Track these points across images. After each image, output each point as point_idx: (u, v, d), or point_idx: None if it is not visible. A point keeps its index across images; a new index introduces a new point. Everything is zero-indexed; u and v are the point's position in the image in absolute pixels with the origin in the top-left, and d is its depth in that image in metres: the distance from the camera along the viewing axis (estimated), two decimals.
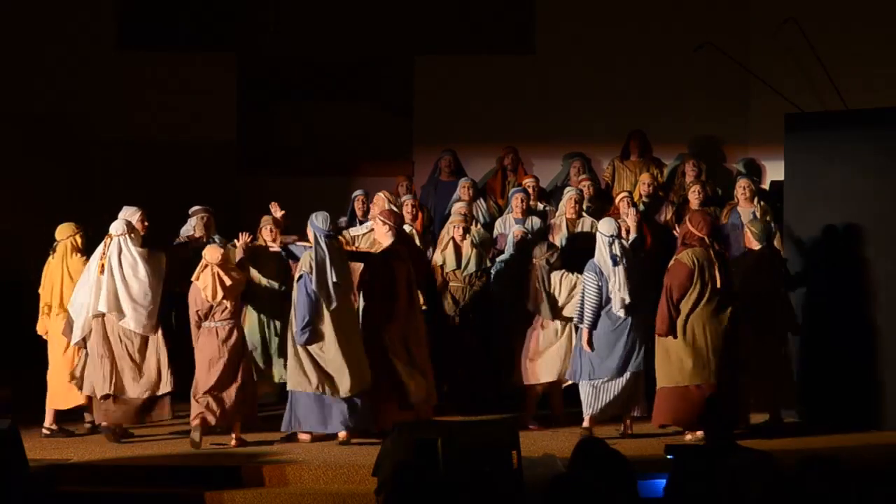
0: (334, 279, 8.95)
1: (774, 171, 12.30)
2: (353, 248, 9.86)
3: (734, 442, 6.33)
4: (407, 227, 11.04)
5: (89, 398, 9.37)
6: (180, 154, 12.86)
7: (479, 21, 13.30)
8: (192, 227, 10.60)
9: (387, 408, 9.19)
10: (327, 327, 9.00)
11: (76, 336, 9.28)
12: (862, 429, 9.39)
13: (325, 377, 8.98)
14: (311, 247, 9.09)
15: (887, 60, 12.27)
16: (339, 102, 13.25)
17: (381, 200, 10.47)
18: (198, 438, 8.94)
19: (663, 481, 6.38)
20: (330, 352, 8.98)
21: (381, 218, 9.47)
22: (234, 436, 9.12)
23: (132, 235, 9.27)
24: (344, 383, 8.97)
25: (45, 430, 9.48)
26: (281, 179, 12.79)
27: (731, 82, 12.92)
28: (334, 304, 8.97)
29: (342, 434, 9.07)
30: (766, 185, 12.41)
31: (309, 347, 9.00)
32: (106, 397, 9.18)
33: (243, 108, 13.24)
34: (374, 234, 9.75)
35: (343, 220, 11.22)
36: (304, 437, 9.19)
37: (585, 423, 9.28)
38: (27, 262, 12.51)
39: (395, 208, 10.20)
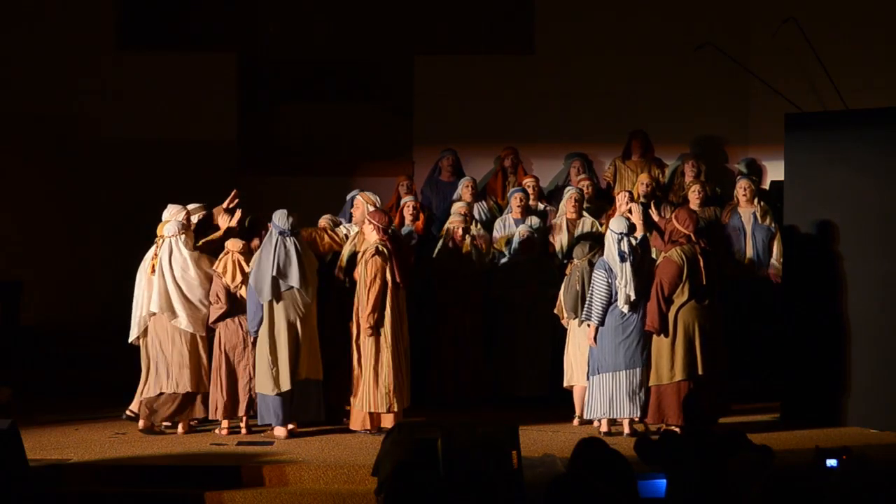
0: (273, 273, 9.08)
1: (774, 171, 12.31)
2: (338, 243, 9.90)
3: (711, 427, 6.37)
4: (407, 227, 11.05)
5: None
6: (180, 154, 12.86)
7: (478, 21, 13.31)
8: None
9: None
10: (272, 320, 9.15)
11: (132, 334, 9.47)
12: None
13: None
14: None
15: (887, 60, 12.27)
16: (339, 102, 13.25)
17: (361, 204, 10.39)
18: (225, 432, 9.30)
19: (664, 481, 6.39)
20: (277, 345, 9.14)
21: (369, 218, 9.52)
22: (243, 430, 9.36)
23: (183, 237, 9.39)
24: (279, 378, 9.12)
25: (128, 412, 9.62)
26: (281, 179, 12.81)
27: (731, 82, 12.93)
28: (268, 298, 9.10)
29: (280, 430, 9.22)
30: (766, 185, 12.42)
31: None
32: (158, 396, 9.35)
33: (243, 108, 13.24)
34: (362, 235, 9.77)
35: (342, 220, 11.20)
36: (279, 431, 9.26)
37: (597, 425, 9.31)
38: (27, 263, 12.56)
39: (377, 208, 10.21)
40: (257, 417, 9.32)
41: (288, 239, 9.21)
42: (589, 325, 9.30)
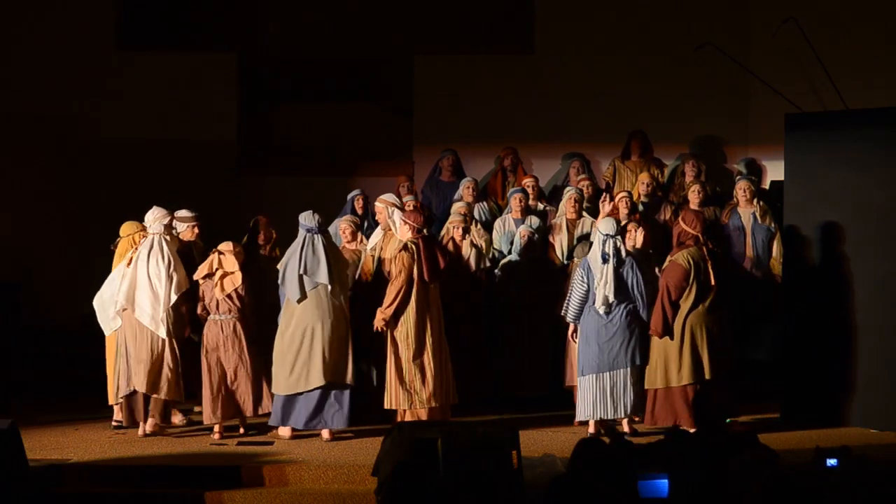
0: (300, 271, 9.04)
1: (774, 171, 12.31)
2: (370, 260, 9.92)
3: (725, 430, 6.38)
4: None
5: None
6: (180, 154, 12.86)
7: (479, 21, 13.31)
8: (175, 231, 10.52)
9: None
10: (294, 320, 9.09)
11: (106, 330, 9.40)
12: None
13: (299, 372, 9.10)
14: None
15: (887, 60, 12.27)
16: (339, 102, 13.26)
17: (382, 209, 10.38)
18: (217, 437, 9.21)
19: (663, 481, 6.39)
20: (294, 345, 9.06)
21: (404, 218, 9.49)
22: (241, 429, 9.30)
23: (168, 238, 9.34)
24: (312, 376, 9.04)
25: (114, 423, 9.57)
26: (281, 179, 12.82)
27: (731, 82, 12.93)
28: (297, 296, 9.05)
29: (284, 431, 9.18)
30: (766, 185, 12.42)
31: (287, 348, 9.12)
32: (129, 395, 9.25)
33: (243, 108, 13.25)
34: (390, 235, 9.76)
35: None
36: (283, 431, 9.22)
37: (591, 429, 9.28)
38: (26, 263, 12.57)
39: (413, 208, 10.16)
40: (270, 416, 9.24)
41: (316, 237, 9.17)
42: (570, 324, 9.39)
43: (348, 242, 10.21)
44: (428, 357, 9.30)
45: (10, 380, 10.67)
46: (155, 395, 9.21)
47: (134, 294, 9.20)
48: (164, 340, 9.21)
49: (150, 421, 9.28)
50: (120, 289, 9.26)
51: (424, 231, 9.46)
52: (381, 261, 9.60)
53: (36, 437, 9.09)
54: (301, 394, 9.10)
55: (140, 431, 9.31)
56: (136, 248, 9.34)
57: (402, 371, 9.25)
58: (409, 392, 9.23)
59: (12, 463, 7.43)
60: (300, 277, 9.07)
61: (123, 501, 8.18)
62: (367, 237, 10.23)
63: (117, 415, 9.57)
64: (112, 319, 9.41)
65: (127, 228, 9.65)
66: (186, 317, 9.38)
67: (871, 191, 9.59)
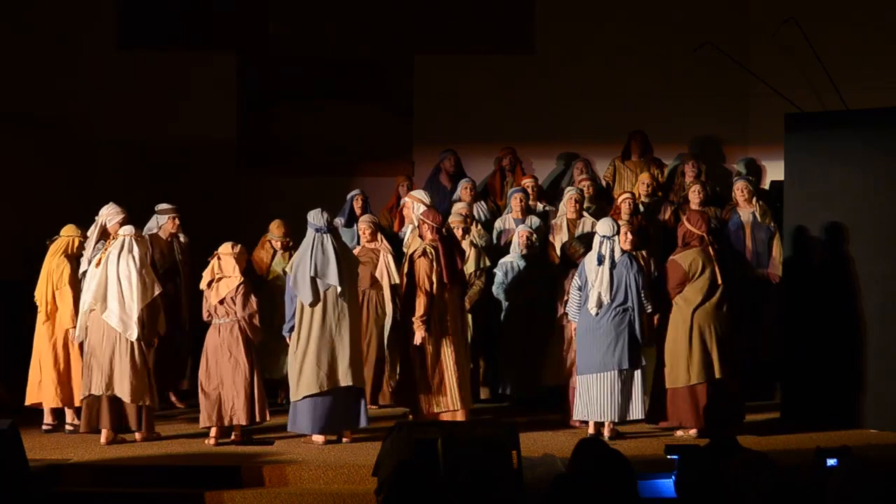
0: (312, 273, 8.91)
1: (774, 171, 12.31)
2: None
3: (735, 440, 6.37)
4: (407, 227, 11.05)
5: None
6: (180, 154, 12.85)
7: (479, 21, 13.29)
8: (157, 225, 10.51)
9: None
10: (305, 324, 8.98)
11: (78, 336, 9.31)
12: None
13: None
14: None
15: (887, 60, 12.28)
16: (339, 102, 13.24)
17: (409, 204, 10.38)
18: (212, 442, 9.11)
19: (664, 481, 6.39)
20: (310, 347, 8.95)
21: (422, 217, 9.47)
22: (234, 433, 9.16)
23: (139, 240, 9.22)
24: (320, 378, 8.93)
25: (45, 426, 9.55)
26: (281, 179, 12.81)
27: (731, 82, 12.92)
28: (310, 300, 8.92)
29: (317, 437, 9.06)
30: (766, 185, 12.42)
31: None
32: (88, 398, 9.11)
33: (243, 108, 13.24)
34: (416, 234, 9.79)
35: (340, 219, 11.21)
36: (316, 438, 9.12)
37: (591, 430, 9.27)
38: (28, 263, 12.55)
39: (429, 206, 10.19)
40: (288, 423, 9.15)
41: (325, 236, 9.02)
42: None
43: (368, 241, 10.21)
44: (450, 362, 9.26)
45: (11, 379, 10.65)
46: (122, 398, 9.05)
47: (103, 295, 9.06)
48: (131, 343, 9.03)
49: (103, 432, 9.11)
50: (89, 289, 9.13)
51: (444, 230, 9.44)
52: (411, 259, 9.58)
53: (36, 437, 9.10)
54: (318, 398, 8.97)
55: (102, 439, 9.10)
56: (107, 249, 9.18)
57: (425, 376, 9.24)
58: (431, 398, 9.21)
59: (12, 463, 7.43)
60: (312, 280, 8.93)
61: (123, 501, 8.18)
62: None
63: (48, 418, 9.57)
64: (80, 325, 9.27)
65: (68, 230, 9.66)
66: (163, 319, 9.31)
67: (871, 191, 9.60)
